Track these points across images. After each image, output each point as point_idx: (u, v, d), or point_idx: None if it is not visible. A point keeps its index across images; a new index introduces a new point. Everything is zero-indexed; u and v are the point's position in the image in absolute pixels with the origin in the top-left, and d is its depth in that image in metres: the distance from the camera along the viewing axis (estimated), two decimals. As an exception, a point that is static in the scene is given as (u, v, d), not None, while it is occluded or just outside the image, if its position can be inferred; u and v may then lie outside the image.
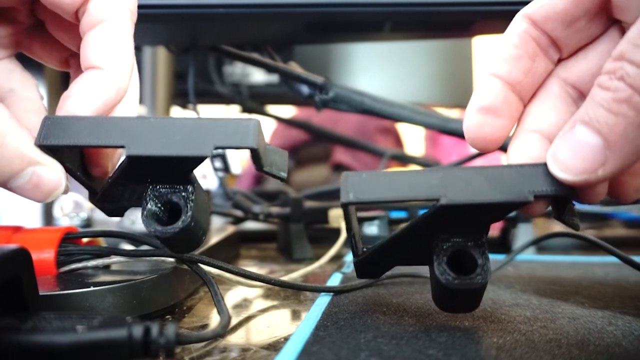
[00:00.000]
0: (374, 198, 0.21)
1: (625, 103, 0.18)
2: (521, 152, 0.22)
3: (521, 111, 0.24)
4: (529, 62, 0.23)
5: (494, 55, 0.24)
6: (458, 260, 0.22)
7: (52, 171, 0.24)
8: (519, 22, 0.23)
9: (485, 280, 0.21)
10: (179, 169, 0.23)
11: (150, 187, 0.23)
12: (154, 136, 0.22)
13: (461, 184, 0.21)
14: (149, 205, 0.23)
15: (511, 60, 0.23)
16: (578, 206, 0.57)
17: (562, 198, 0.21)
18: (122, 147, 0.22)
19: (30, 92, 0.27)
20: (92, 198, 0.26)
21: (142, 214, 0.23)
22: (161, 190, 0.23)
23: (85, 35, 0.25)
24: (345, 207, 0.23)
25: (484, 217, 0.22)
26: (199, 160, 0.22)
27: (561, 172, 0.20)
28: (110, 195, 0.25)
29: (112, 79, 0.25)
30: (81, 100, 0.24)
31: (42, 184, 0.23)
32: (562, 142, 0.20)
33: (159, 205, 0.23)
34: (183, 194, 0.23)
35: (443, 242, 0.22)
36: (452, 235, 0.22)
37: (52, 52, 0.29)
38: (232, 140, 0.22)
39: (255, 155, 0.23)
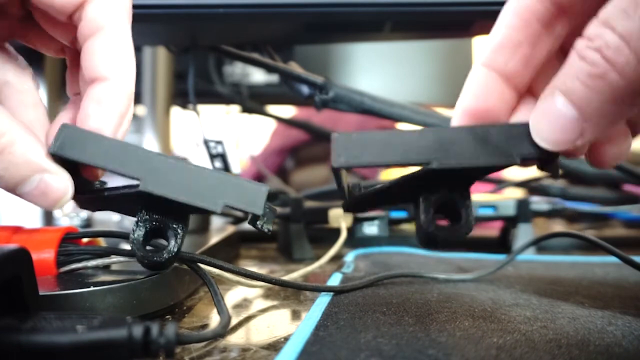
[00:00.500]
0: (366, 162, 0.21)
1: (601, 79, 0.17)
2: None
3: (515, 103, 0.22)
4: (529, 50, 0.21)
5: (490, 41, 0.21)
6: (444, 210, 0.23)
7: (59, 179, 0.24)
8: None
9: (469, 230, 0.22)
10: (181, 211, 0.24)
11: (144, 211, 0.24)
12: (170, 177, 0.23)
13: (451, 146, 0.21)
14: (138, 231, 0.24)
15: (509, 48, 0.21)
16: (579, 206, 0.57)
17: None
18: (137, 179, 0.23)
19: (25, 83, 0.26)
20: (77, 196, 0.26)
21: (132, 235, 0.24)
22: (154, 217, 0.24)
23: (86, 43, 0.24)
24: (336, 171, 0.23)
25: (471, 175, 0.23)
26: (206, 211, 0.23)
27: (542, 142, 0.20)
28: (98, 201, 0.26)
29: (122, 89, 0.24)
30: (100, 118, 0.24)
31: (49, 191, 0.24)
32: (542, 111, 0.19)
33: (148, 230, 0.24)
34: (175, 229, 0.24)
35: (430, 194, 0.23)
36: (439, 189, 0.23)
37: (47, 42, 0.28)
38: (242, 204, 0.23)
39: (255, 218, 0.24)
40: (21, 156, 0.23)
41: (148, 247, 0.24)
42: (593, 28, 0.17)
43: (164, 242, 0.25)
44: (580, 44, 0.18)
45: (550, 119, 0.19)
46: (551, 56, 0.22)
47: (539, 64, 0.22)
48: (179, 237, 0.24)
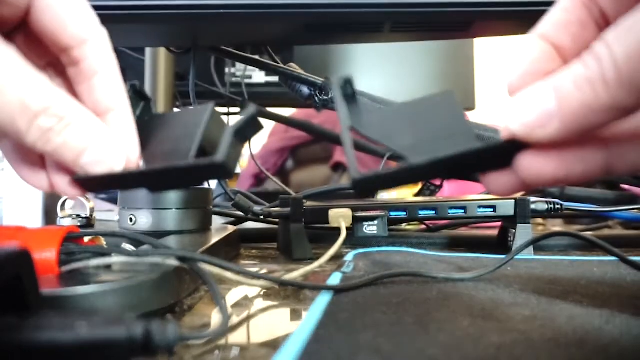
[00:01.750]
0: None
1: (590, 85, 0.19)
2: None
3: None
4: (579, 29, 0.23)
5: (544, 20, 0.23)
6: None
7: (113, 147, 0.26)
8: None
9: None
10: None
11: None
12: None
13: None
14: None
15: (561, 24, 0.23)
16: (577, 206, 0.56)
17: None
18: None
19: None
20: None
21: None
22: None
23: (91, 80, 0.27)
24: None
25: None
26: None
27: (510, 120, 0.21)
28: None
29: (129, 114, 0.28)
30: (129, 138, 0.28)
31: (106, 158, 0.26)
32: (528, 94, 0.20)
33: None
34: None
35: None
36: None
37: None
38: None
39: None
40: (82, 128, 0.25)
41: None
42: (598, 44, 0.19)
43: None
44: (584, 55, 0.19)
45: (531, 103, 0.20)
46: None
47: (587, 44, 0.23)
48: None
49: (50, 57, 0.28)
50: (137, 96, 0.29)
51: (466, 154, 0.22)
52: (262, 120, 0.26)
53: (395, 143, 0.24)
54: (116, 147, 0.27)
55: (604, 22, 0.23)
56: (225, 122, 0.28)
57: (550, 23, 0.23)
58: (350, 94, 0.27)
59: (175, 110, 0.63)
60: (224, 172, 0.24)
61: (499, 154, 0.22)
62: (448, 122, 0.24)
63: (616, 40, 0.18)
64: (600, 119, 0.19)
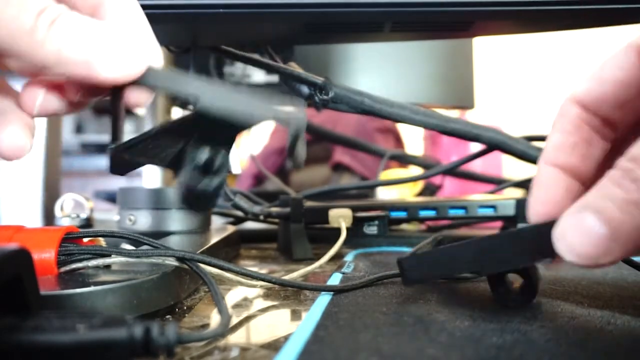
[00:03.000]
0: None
1: (635, 205, 0.18)
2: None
3: (581, 192, 0.23)
4: (584, 147, 0.23)
5: (550, 143, 0.23)
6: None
7: (128, 44, 0.24)
8: (570, 108, 0.23)
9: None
10: (230, 132, 0.25)
11: (194, 145, 0.25)
12: (224, 94, 0.23)
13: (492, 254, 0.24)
14: (196, 161, 0.25)
15: (567, 148, 0.23)
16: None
17: None
18: (196, 97, 0.23)
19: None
20: (114, 146, 0.26)
21: (187, 168, 0.25)
22: (204, 145, 0.25)
23: None
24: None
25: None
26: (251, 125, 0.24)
27: (569, 254, 0.20)
28: (139, 149, 0.26)
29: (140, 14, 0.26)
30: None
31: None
32: (571, 225, 0.20)
33: (200, 162, 0.25)
34: (225, 154, 0.25)
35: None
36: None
37: None
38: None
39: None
40: None
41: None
42: (624, 163, 0.19)
43: None
44: (614, 174, 0.19)
45: (581, 233, 0.19)
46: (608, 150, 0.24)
47: (599, 158, 0.24)
48: (227, 161, 0.25)
49: None
50: None
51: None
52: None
53: None
54: (132, 44, 0.23)
55: (608, 129, 0.23)
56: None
57: (554, 149, 0.23)
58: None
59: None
60: None
61: None
62: None
63: None
64: None
